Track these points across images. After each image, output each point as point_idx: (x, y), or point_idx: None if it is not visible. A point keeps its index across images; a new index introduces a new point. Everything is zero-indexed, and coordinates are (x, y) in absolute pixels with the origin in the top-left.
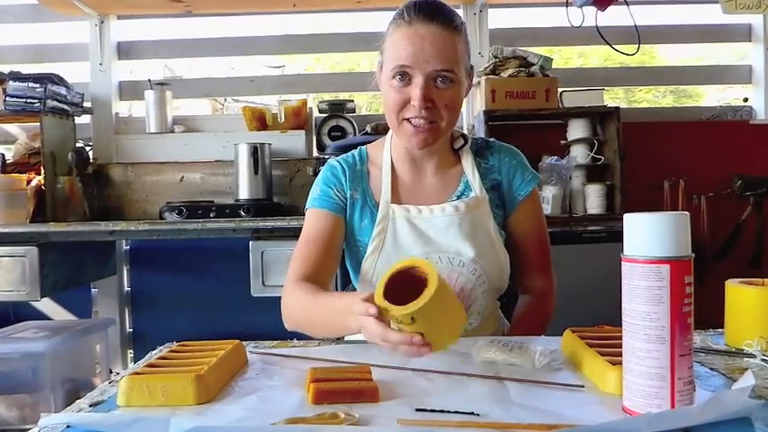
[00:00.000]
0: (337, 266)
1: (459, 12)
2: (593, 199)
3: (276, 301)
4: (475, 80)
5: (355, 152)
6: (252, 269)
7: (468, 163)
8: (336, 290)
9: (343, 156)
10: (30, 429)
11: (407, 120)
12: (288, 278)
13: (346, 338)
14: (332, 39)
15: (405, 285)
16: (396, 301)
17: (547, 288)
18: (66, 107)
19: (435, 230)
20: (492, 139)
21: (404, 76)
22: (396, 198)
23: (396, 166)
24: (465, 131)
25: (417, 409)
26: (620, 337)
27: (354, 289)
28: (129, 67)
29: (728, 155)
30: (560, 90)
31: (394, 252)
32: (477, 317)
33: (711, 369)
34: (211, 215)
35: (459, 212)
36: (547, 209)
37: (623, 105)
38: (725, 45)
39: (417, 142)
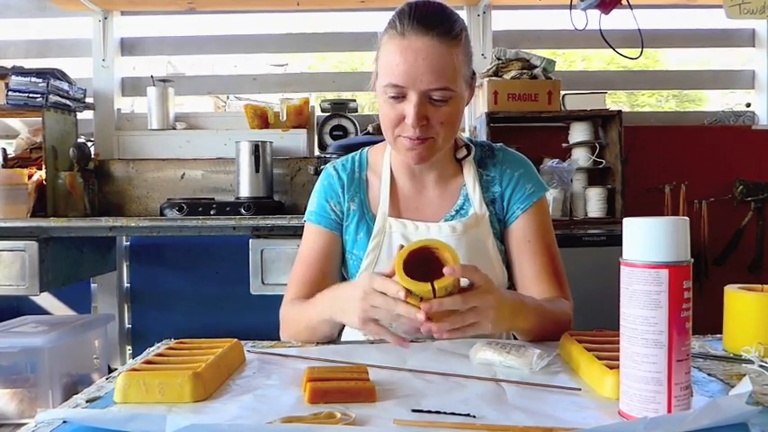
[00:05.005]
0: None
1: (463, 13)
2: (593, 202)
3: (275, 299)
4: (477, 82)
5: (356, 156)
6: (251, 267)
7: (469, 175)
8: None
9: (342, 160)
10: (27, 424)
11: (403, 137)
12: (284, 300)
13: (344, 339)
14: (335, 38)
15: (414, 265)
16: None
17: (563, 300)
18: (68, 102)
19: None
20: (498, 146)
21: (398, 93)
22: (393, 211)
23: (395, 176)
24: (467, 134)
25: (414, 410)
26: (618, 341)
27: None
28: (131, 63)
29: (730, 160)
30: (563, 93)
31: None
32: None
33: (709, 374)
34: (212, 212)
35: (455, 233)
36: None
37: (626, 109)
38: (728, 50)
39: (413, 157)
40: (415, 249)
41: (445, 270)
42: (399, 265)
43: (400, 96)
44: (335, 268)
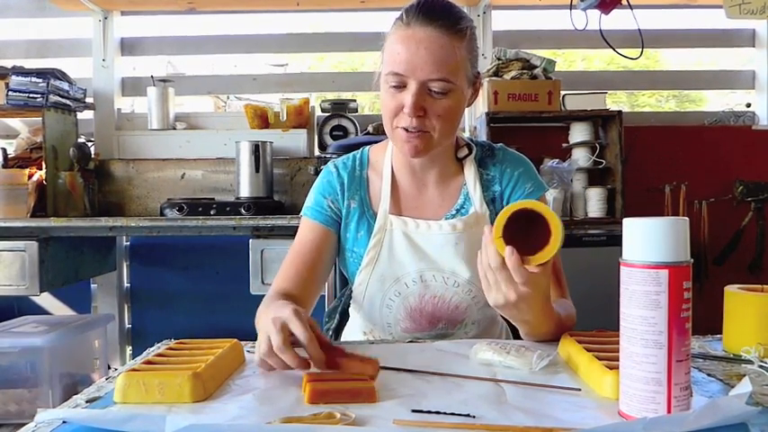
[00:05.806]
0: (324, 281)
1: None
2: (594, 202)
3: None
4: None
5: (357, 154)
6: (251, 267)
7: (470, 174)
8: (334, 296)
9: (344, 158)
10: (27, 424)
11: (400, 127)
12: (269, 291)
13: (343, 338)
14: (335, 38)
15: (522, 218)
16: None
17: (567, 302)
18: (68, 102)
19: (432, 248)
20: (498, 146)
21: (398, 82)
22: (394, 208)
23: (396, 174)
24: (467, 134)
25: (414, 410)
26: (618, 341)
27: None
28: (132, 63)
29: (730, 160)
30: (563, 93)
31: (389, 266)
32: (472, 326)
33: (709, 375)
34: (212, 212)
35: (456, 231)
36: None
37: (626, 109)
38: (728, 50)
39: (409, 150)
40: (531, 210)
41: (529, 268)
42: (508, 212)
43: (401, 86)
44: (325, 263)
